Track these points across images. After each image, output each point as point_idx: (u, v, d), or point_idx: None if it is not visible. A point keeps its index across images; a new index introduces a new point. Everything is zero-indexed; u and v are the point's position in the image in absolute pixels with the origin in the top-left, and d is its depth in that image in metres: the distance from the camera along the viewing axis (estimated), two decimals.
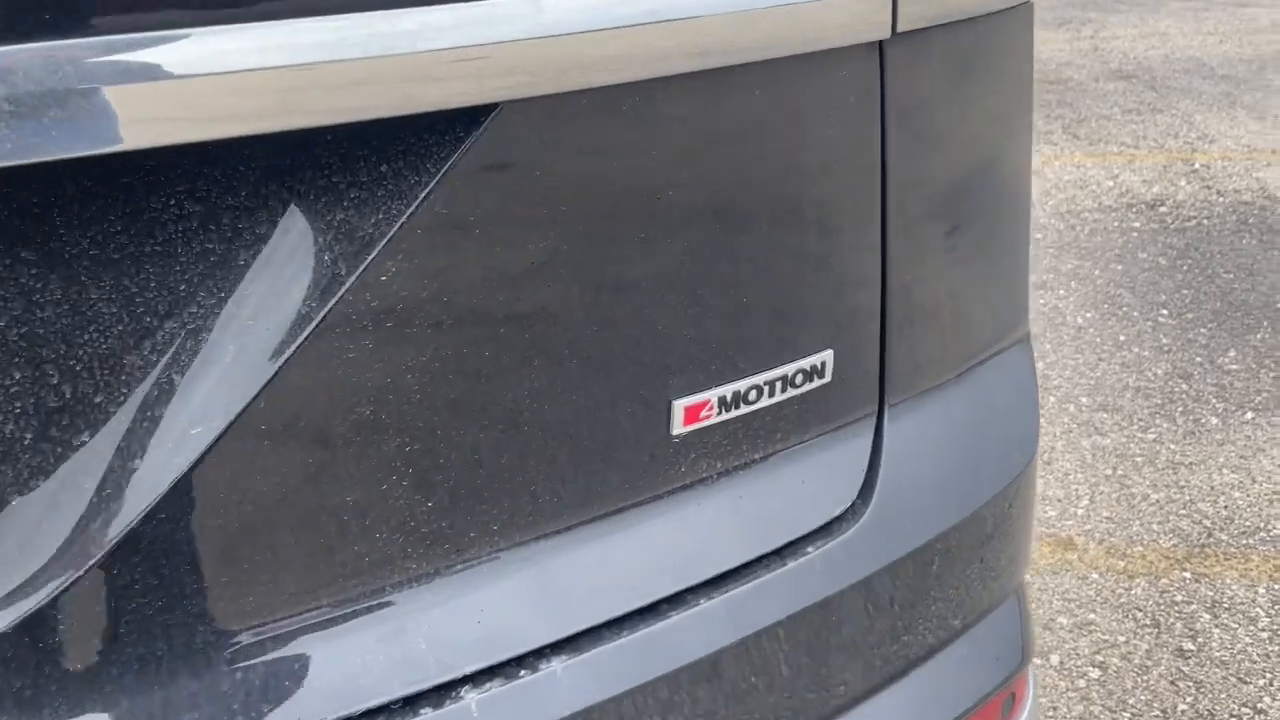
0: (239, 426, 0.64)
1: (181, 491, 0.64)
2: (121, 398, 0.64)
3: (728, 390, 0.77)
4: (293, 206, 0.65)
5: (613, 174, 0.71)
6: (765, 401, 0.78)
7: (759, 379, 0.78)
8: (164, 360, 0.64)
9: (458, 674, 0.71)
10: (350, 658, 0.69)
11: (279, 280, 0.66)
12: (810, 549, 0.79)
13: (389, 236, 0.65)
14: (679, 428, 0.76)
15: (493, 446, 0.71)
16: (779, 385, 0.79)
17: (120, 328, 0.64)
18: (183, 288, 0.64)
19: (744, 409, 0.78)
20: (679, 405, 0.75)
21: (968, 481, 0.91)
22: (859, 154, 0.80)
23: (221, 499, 0.65)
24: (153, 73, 0.55)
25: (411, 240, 0.66)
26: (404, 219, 0.65)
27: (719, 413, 0.77)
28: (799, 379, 0.80)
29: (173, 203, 0.64)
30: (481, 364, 0.70)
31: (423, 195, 0.65)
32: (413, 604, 0.70)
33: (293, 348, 0.64)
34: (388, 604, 0.70)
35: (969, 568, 0.91)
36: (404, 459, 0.69)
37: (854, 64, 0.76)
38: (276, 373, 0.64)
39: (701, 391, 0.76)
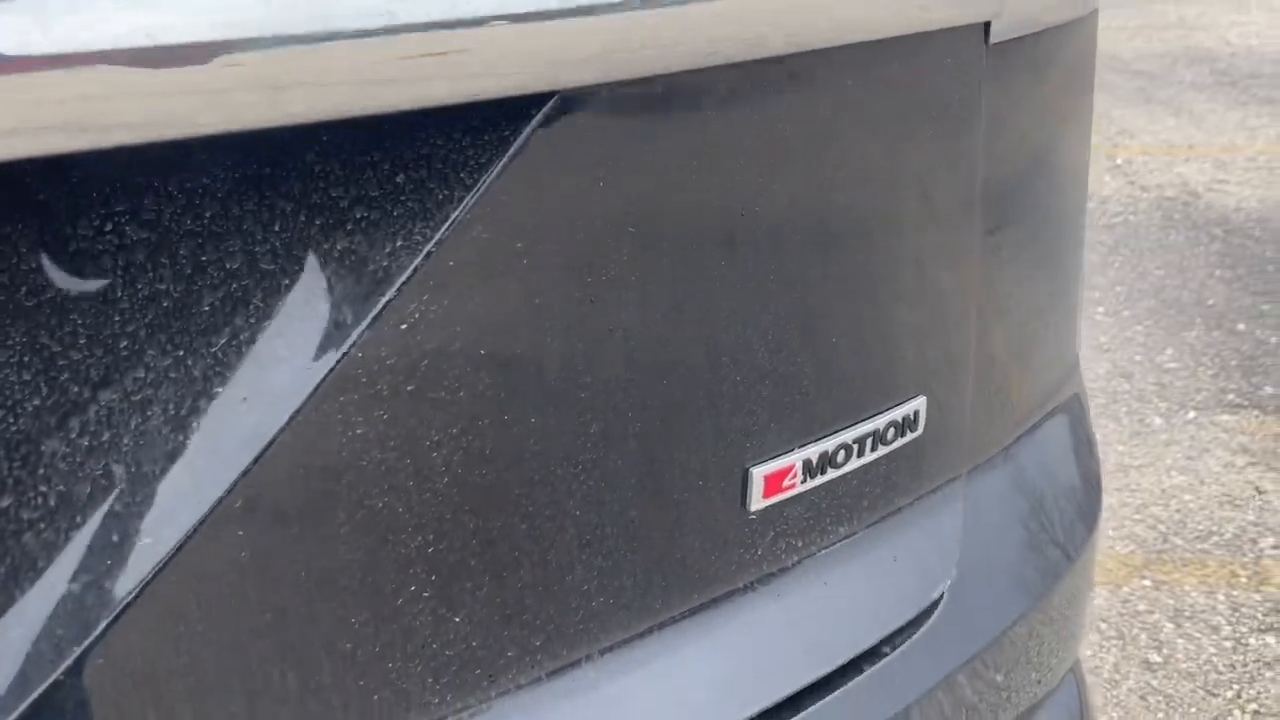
0: (204, 534, 0.47)
1: (123, 632, 0.46)
2: (38, 499, 0.46)
3: (813, 452, 0.62)
4: (276, 231, 0.48)
5: (687, 186, 0.55)
6: (854, 464, 0.63)
7: (847, 435, 0.63)
8: (98, 445, 0.46)
9: None
10: None
11: (259, 333, 0.48)
12: (886, 648, 0.64)
13: (410, 271, 0.48)
14: (757, 502, 0.60)
15: (537, 545, 0.55)
16: (869, 443, 0.64)
17: (36, 402, 0.45)
18: (124, 345, 0.46)
19: (830, 474, 0.62)
20: (758, 474, 0.60)
21: (1042, 555, 0.77)
22: (958, 160, 0.65)
23: (180, 637, 0.48)
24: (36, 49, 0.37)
25: (440, 276, 0.49)
26: (430, 248, 0.48)
27: (803, 480, 0.61)
28: (890, 434, 0.65)
29: (108, 228, 0.46)
30: (525, 434, 0.53)
31: (455, 216, 0.48)
32: None
33: (279, 426, 0.47)
34: None
35: (1040, 651, 0.77)
36: (423, 566, 0.52)
37: (961, 50, 0.61)
38: (256, 460, 0.47)
39: (783, 455, 0.61)
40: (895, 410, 0.65)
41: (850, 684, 0.64)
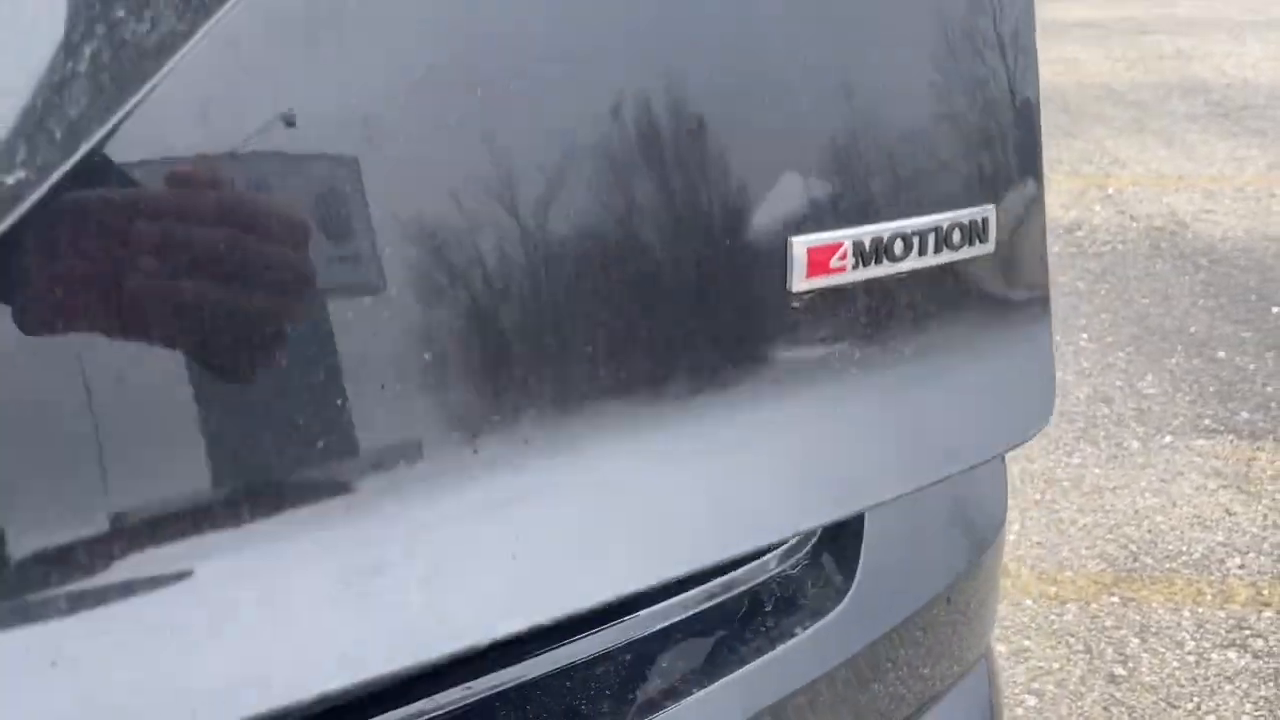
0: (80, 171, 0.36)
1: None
2: None
3: (865, 233, 0.52)
4: None
5: None
6: (913, 262, 0.54)
7: (905, 224, 0.54)
8: None
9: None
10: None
11: None
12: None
13: None
14: (800, 281, 0.50)
15: (530, 285, 0.45)
16: (931, 240, 0.54)
17: None
18: None
19: (887, 267, 0.53)
20: (799, 244, 0.50)
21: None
22: None
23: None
24: None
25: None
26: None
27: (855, 265, 0.52)
28: (955, 236, 0.55)
29: None
30: (516, 138, 0.43)
31: None
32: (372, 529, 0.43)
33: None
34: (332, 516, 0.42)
35: (953, 629, 0.69)
36: (403, 276, 0.41)
37: None
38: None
39: (830, 230, 0.51)
40: (960, 212, 0.56)
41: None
